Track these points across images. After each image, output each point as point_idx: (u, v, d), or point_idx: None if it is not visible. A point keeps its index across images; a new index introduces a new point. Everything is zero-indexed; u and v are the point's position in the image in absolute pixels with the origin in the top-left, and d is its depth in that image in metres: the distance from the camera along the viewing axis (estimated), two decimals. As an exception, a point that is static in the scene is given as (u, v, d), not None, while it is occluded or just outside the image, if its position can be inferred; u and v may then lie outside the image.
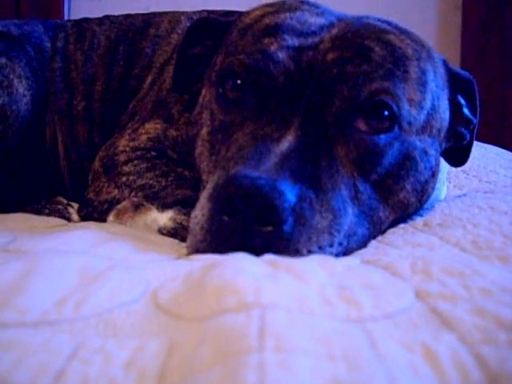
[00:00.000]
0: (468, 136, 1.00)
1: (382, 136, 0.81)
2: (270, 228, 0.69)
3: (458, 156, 1.04)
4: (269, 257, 0.63)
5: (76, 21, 1.46)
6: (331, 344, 0.42)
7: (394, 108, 0.80)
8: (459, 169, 1.21)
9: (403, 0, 2.74)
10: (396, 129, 0.81)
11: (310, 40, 0.83)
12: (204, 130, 0.91)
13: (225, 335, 0.43)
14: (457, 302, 0.49)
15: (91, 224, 1.02)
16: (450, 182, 1.29)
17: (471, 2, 2.75)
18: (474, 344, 0.43)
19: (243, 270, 0.54)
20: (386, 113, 0.80)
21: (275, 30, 0.84)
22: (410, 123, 0.83)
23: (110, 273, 0.59)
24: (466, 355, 0.42)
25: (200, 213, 0.75)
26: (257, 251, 0.66)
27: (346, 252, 0.77)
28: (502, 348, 0.42)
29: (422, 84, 0.85)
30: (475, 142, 1.06)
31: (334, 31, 0.84)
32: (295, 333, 0.43)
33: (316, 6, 0.92)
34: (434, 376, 0.40)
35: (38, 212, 1.16)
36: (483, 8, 2.72)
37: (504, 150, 1.81)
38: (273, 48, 0.82)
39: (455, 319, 0.47)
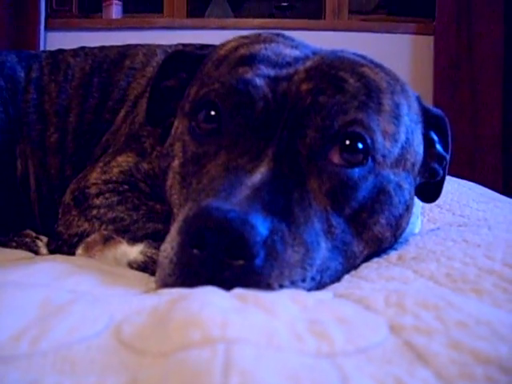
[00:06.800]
0: (441, 172, 1.00)
1: (356, 169, 0.80)
2: (240, 262, 0.67)
3: (430, 192, 1.04)
4: (237, 290, 0.61)
5: (51, 52, 1.45)
6: (300, 380, 0.40)
7: (368, 140, 0.79)
8: (433, 203, 1.21)
9: (377, 38, 2.79)
10: (370, 162, 0.80)
11: (284, 71, 0.83)
12: (175, 162, 0.89)
13: (188, 371, 0.40)
14: (432, 336, 0.48)
15: (57, 257, 0.99)
16: (424, 216, 1.29)
17: (442, 41, 2.81)
18: (450, 379, 0.41)
19: (210, 303, 0.52)
20: (360, 145, 0.79)
21: (250, 60, 0.84)
22: (384, 156, 0.82)
23: (71, 306, 0.56)
24: (441, 391, 0.40)
25: (169, 246, 0.73)
26: (227, 285, 0.64)
27: (319, 287, 0.75)
28: (478, 383, 0.40)
29: (396, 117, 0.85)
30: (448, 177, 1.06)
31: (309, 63, 0.84)
32: (262, 369, 0.40)
33: (291, 39, 0.93)
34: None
35: (5, 245, 1.13)
36: (454, 47, 2.78)
37: (476, 185, 1.84)
38: (249, 76, 0.82)
39: (430, 353, 0.45)
